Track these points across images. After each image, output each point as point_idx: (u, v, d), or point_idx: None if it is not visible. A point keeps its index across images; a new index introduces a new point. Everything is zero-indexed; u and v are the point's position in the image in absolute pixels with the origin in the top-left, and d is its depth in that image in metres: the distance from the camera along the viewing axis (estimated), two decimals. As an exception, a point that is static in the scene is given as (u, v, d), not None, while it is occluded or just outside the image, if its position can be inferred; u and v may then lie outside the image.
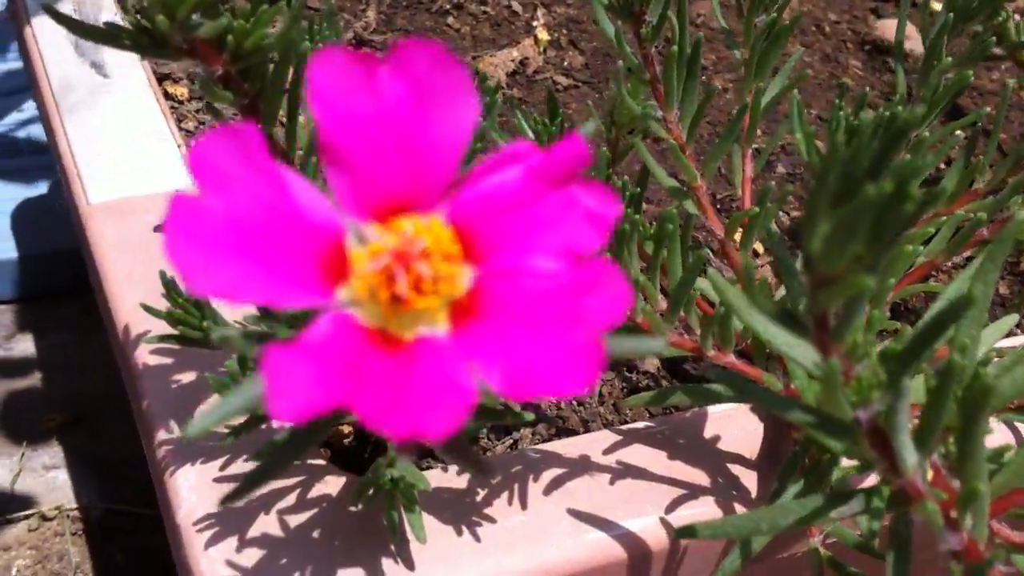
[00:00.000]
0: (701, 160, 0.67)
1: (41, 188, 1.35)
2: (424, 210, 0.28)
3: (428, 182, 0.27)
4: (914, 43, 1.11)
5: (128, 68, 0.77)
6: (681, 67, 0.57)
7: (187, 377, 0.59)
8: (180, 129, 0.78)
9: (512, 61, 0.98)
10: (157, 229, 0.52)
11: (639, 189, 0.60)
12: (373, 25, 1.00)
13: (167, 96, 0.80)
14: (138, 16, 0.41)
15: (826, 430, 0.36)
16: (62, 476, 1.13)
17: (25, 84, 1.46)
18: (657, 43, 0.62)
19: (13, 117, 1.42)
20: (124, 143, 0.72)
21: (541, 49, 1.01)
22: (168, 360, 0.60)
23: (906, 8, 0.74)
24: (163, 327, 0.63)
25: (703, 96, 0.60)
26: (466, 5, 1.04)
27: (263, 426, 0.47)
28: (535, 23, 1.04)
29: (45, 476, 1.14)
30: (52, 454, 1.16)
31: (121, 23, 0.41)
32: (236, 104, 0.45)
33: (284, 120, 0.47)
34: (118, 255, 0.64)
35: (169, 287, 0.49)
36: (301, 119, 0.47)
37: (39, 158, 1.39)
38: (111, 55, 0.77)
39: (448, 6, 1.04)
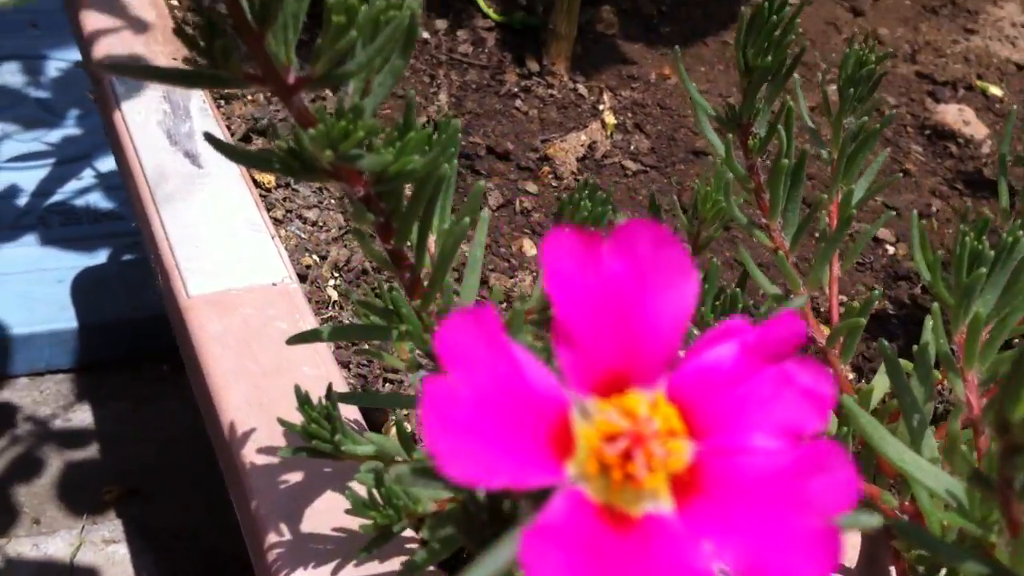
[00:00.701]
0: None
1: (100, 257, 1.37)
2: (645, 384, 0.28)
3: (650, 358, 0.28)
4: (973, 127, 1.12)
5: (221, 158, 0.78)
6: (787, 179, 0.58)
7: (295, 477, 0.59)
8: (271, 218, 0.79)
9: (581, 146, 0.99)
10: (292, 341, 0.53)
11: (739, 289, 0.61)
12: (445, 108, 1.01)
13: (255, 183, 0.81)
14: (290, 143, 0.42)
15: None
16: (122, 550, 1.14)
17: (83, 152, 1.49)
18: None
19: (72, 185, 1.45)
20: (220, 234, 0.73)
21: (608, 133, 1.02)
22: (274, 460, 0.61)
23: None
24: (268, 423, 0.63)
25: (808, 208, 0.61)
26: (533, 88, 1.06)
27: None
28: (601, 106, 1.06)
29: (105, 550, 1.14)
30: (111, 528, 1.16)
31: (263, 146, 0.42)
32: (372, 222, 0.46)
33: (415, 240, 0.48)
34: (221, 350, 0.65)
35: (302, 400, 0.49)
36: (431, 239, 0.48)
37: (97, 227, 1.41)
38: (204, 144, 0.79)
39: (516, 89, 1.06)
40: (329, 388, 0.50)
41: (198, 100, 0.83)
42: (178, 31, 0.39)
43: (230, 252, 0.72)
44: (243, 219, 0.74)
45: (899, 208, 1.02)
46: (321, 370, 0.65)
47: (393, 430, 0.66)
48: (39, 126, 1.52)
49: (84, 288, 1.33)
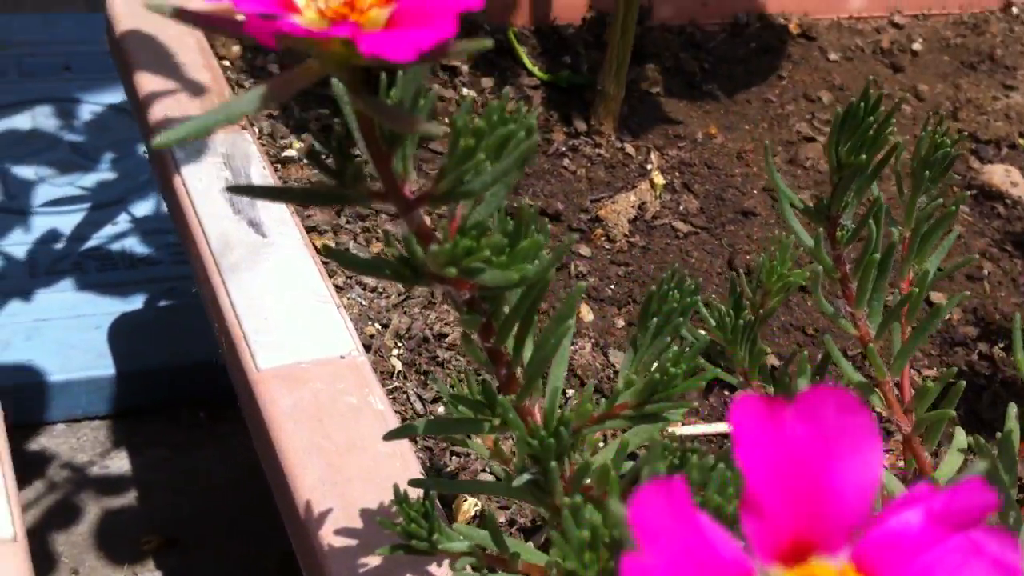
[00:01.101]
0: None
1: (136, 302, 1.37)
2: (829, 552, 0.28)
3: (835, 525, 0.28)
4: (1021, 188, 1.12)
5: (283, 226, 0.78)
6: (874, 271, 0.58)
7: (373, 561, 0.59)
8: (333, 284, 0.79)
9: (632, 207, 0.99)
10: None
11: (817, 377, 0.61)
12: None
13: (316, 249, 0.81)
14: (402, 251, 0.42)
15: None
16: (161, 603, 1.13)
17: (118, 196, 1.49)
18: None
19: (108, 230, 1.45)
20: (287, 305, 0.73)
21: (657, 194, 1.02)
22: (352, 542, 0.60)
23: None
24: (343, 503, 0.63)
25: (896, 300, 0.61)
26: (581, 147, 1.06)
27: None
28: (649, 166, 1.06)
29: (144, 603, 1.13)
30: (150, 578, 1.16)
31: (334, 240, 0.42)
32: (475, 324, 0.46)
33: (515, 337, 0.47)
34: (293, 426, 0.65)
35: (400, 500, 0.49)
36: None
37: (133, 272, 1.41)
38: (267, 212, 0.79)
39: (564, 148, 1.06)
40: (427, 491, 0.50)
41: (258, 166, 0.83)
42: (311, 156, 0.39)
43: (297, 324, 0.72)
44: (308, 289, 0.74)
45: (951, 271, 1.02)
46: (393, 447, 0.65)
47: (464, 506, 0.66)
48: (73, 170, 1.52)
49: (121, 334, 1.33)
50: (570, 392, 0.79)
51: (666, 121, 1.12)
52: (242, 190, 0.38)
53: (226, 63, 1.00)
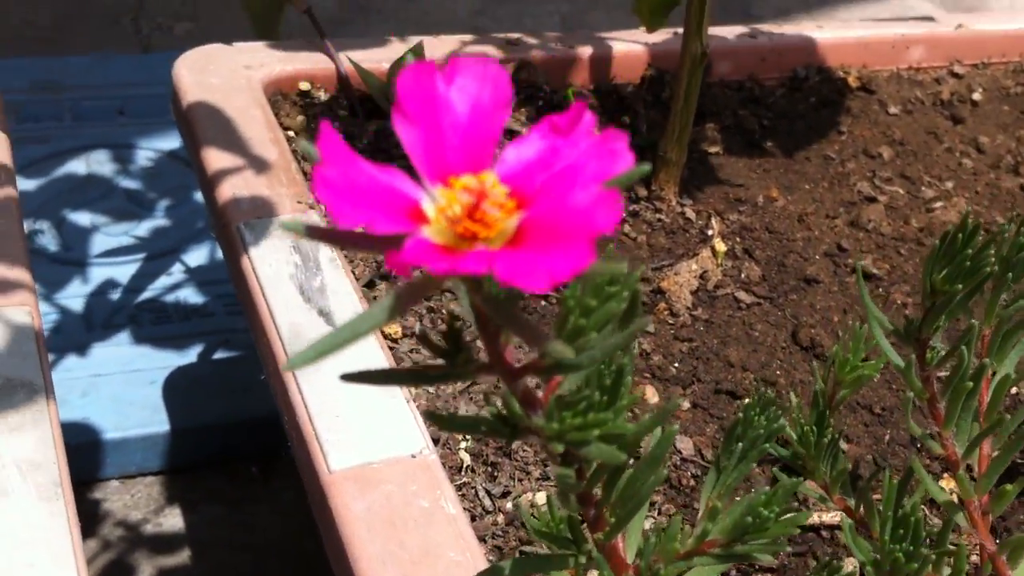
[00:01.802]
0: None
1: (190, 356, 1.37)
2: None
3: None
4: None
5: (352, 315, 0.78)
6: (964, 393, 0.57)
7: None
8: (395, 357, 0.79)
9: (694, 277, 0.98)
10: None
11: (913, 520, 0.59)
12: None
13: (383, 335, 0.81)
14: (502, 411, 0.42)
15: None
16: (217, 667, 1.13)
17: (172, 246, 1.50)
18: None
19: (162, 281, 1.46)
20: (358, 402, 0.73)
21: (719, 261, 1.01)
22: (428, 657, 0.60)
23: None
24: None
25: (987, 424, 0.60)
26: (641, 212, 1.05)
27: None
28: (710, 231, 1.05)
29: (201, 667, 1.13)
30: (205, 640, 1.16)
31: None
32: (570, 481, 0.45)
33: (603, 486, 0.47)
34: (367, 533, 0.65)
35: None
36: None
37: (187, 324, 1.41)
38: (336, 301, 0.79)
39: (624, 214, 1.05)
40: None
41: (327, 249, 0.83)
42: (422, 339, 0.38)
43: (368, 421, 0.71)
44: (382, 386, 0.74)
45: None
46: (466, 556, 0.65)
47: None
48: (128, 218, 1.53)
49: (176, 389, 1.33)
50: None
51: (726, 183, 1.11)
52: (353, 377, 0.38)
53: (291, 133, 1.00)
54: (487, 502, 0.74)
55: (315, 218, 0.86)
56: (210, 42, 2.03)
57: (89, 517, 1.27)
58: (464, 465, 0.75)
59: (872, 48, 1.29)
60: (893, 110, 1.26)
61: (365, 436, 0.70)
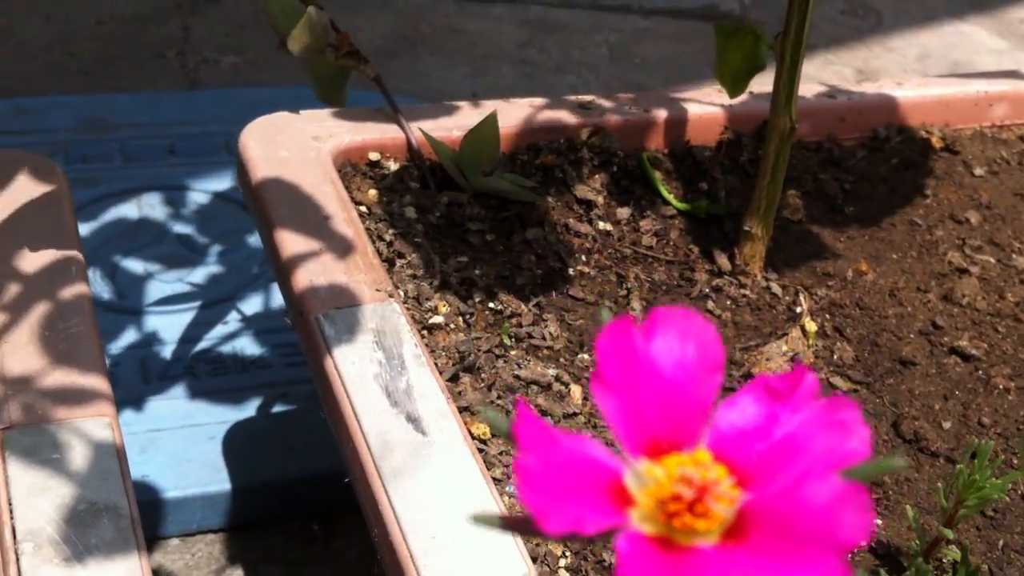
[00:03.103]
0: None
1: (249, 410, 1.35)
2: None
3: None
4: None
5: (442, 420, 0.75)
6: None
7: None
8: (492, 478, 0.76)
9: (784, 359, 0.95)
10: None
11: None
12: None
13: (472, 435, 0.78)
14: None
15: None
16: None
17: (228, 293, 1.48)
18: None
19: (218, 331, 1.43)
20: (453, 518, 0.69)
21: (810, 342, 0.97)
22: None
23: None
24: None
25: None
26: (725, 288, 1.02)
27: None
28: (798, 308, 1.01)
29: None
30: None
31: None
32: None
33: None
34: (472, 674, 0.62)
35: None
36: None
37: (245, 376, 1.39)
38: (425, 404, 0.76)
39: (707, 289, 1.01)
40: None
41: (410, 344, 0.80)
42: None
43: (466, 543, 0.68)
44: (473, 496, 0.71)
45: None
46: None
47: None
48: (182, 265, 1.51)
49: (235, 445, 1.31)
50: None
51: (813, 255, 1.07)
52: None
53: (363, 208, 0.97)
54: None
55: (396, 308, 0.83)
56: (257, 76, 2.01)
57: (148, 579, 1.24)
58: (563, 585, 0.72)
59: (954, 106, 1.24)
60: (978, 171, 1.22)
61: (464, 561, 0.67)
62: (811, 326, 0.99)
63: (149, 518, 1.26)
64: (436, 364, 0.84)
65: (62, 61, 1.99)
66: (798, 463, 0.32)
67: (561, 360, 0.90)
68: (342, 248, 0.88)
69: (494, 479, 0.77)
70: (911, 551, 0.76)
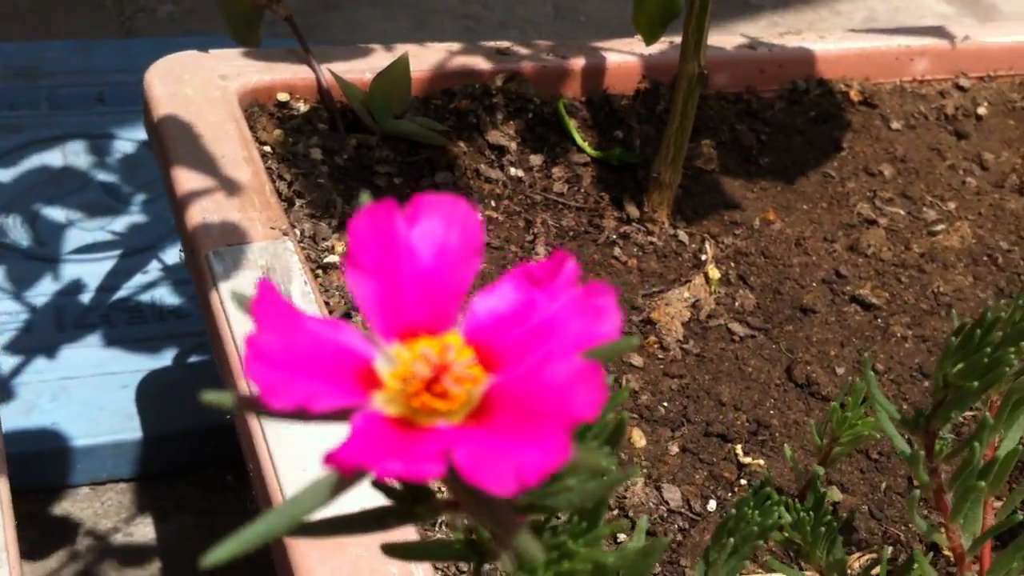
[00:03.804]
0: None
1: (165, 359, 1.33)
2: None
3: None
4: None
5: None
6: (976, 493, 0.53)
7: None
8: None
9: (685, 306, 0.95)
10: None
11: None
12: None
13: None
14: (471, 535, 0.38)
15: None
16: None
17: (149, 243, 1.46)
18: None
19: (137, 280, 1.41)
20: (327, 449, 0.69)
21: (712, 289, 0.97)
22: None
23: None
24: None
25: (996, 522, 0.56)
26: (632, 235, 1.01)
27: None
28: (703, 256, 1.01)
29: None
30: (174, 659, 1.13)
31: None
32: None
33: None
34: (331, 602, 0.61)
35: None
36: None
37: (163, 325, 1.37)
38: (306, 340, 0.74)
39: (615, 236, 1.01)
40: None
41: (299, 282, 0.79)
42: (377, 486, 0.35)
43: (337, 475, 0.68)
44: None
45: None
46: (438, 628, 0.61)
47: None
48: (104, 213, 1.49)
49: (149, 394, 1.29)
50: (621, 537, 0.74)
51: (722, 204, 1.07)
52: (301, 530, 0.34)
53: (267, 148, 0.95)
54: (462, 564, 0.70)
55: (289, 246, 0.82)
56: (194, 26, 1.98)
57: (58, 525, 1.23)
58: (439, 522, 0.72)
59: (875, 60, 1.24)
60: (895, 125, 1.22)
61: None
62: (714, 273, 0.98)
63: (58, 466, 1.25)
64: (328, 303, 0.83)
65: (-5, 8, 1.95)
66: (548, 346, 0.31)
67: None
68: (238, 186, 0.87)
69: (377, 416, 0.76)
70: (789, 491, 0.76)
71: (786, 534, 0.57)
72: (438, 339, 0.32)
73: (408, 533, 0.66)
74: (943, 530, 0.56)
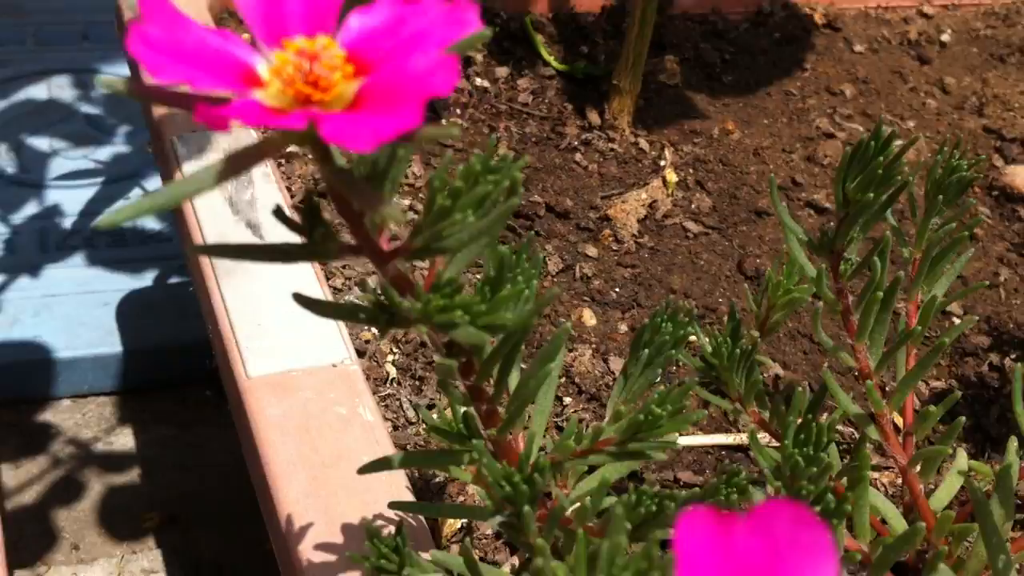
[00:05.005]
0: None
1: (146, 280, 1.36)
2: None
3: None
4: (1044, 194, 1.09)
5: (280, 227, 0.77)
6: (877, 305, 0.56)
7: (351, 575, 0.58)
8: (329, 287, 0.78)
9: (642, 205, 0.97)
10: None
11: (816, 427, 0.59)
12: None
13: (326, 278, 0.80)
14: (380, 297, 0.41)
15: None
16: (160, 582, 1.13)
17: (132, 171, 1.49)
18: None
19: (120, 205, 1.43)
20: (282, 311, 0.72)
21: (669, 191, 1.00)
22: (332, 558, 0.60)
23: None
24: (325, 517, 0.62)
25: (899, 336, 0.59)
26: (594, 142, 1.04)
27: None
28: (662, 162, 1.04)
29: (144, 582, 1.14)
30: (151, 557, 1.16)
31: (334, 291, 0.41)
32: (449, 372, 0.44)
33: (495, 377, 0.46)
34: (280, 437, 0.64)
35: (371, 535, 0.48)
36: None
37: (144, 248, 1.40)
38: (266, 214, 0.78)
39: (576, 142, 1.04)
40: (399, 527, 0.49)
41: (263, 166, 0.82)
42: (276, 214, 0.38)
43: (291, 330, 0.71)
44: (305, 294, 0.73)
45: (965, 276, 0.99)
46: (379, 453, 0.64)
47: (456, 548, 0.65)
48: (88, 143, 1.52)
49: (130, 312, 1.33)
50: (567, 400, 0.78)
51: (683, 115, 1.10)
52: (210, 249, 0.37)
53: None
54: (411, 413, 0.73)
55: (252, 134, 0.85)
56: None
57: (40, 434, 1.26)
58: (390, 377, 0.75)
59: (840, -15, 1.27)
60: (858, 48, 1.25)
61: (286, 345, 0.70)
62: (672, 177, 1.01)
63: (40, 378, 1.28)
64: (289, 188, 0.86)
65: (-19, -50, 1.97)
66: (416, 51, 0.34)
67: (419, 195, 0.92)
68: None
69: (334, 288, 0.80)
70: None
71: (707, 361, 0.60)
72: (311, 40, 0.35)
73: (360, 388, 0.69)
74: (852, 351, 0.58)
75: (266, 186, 0.81)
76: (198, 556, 1.16)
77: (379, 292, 0.42)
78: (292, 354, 0.70)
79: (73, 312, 1.31)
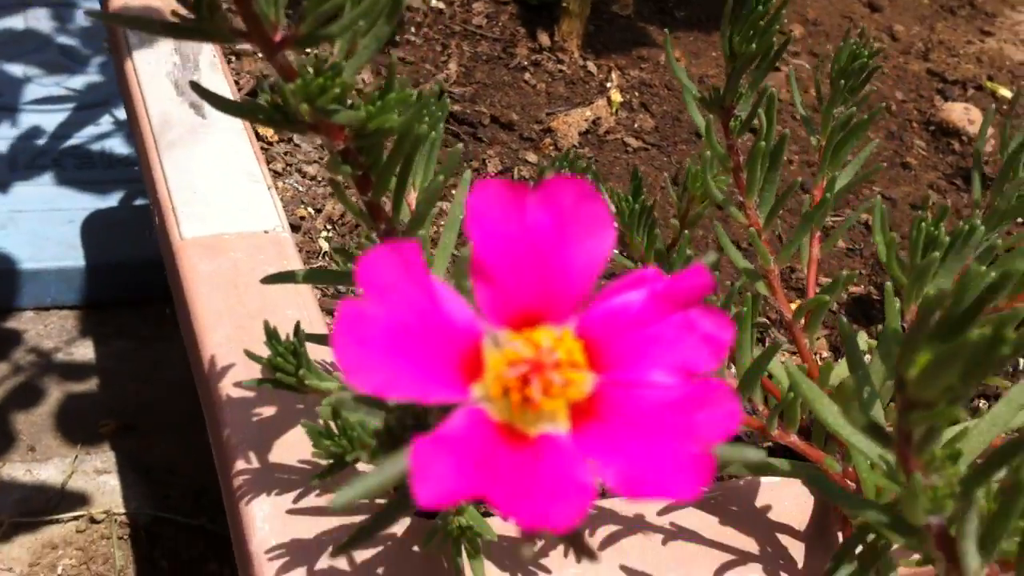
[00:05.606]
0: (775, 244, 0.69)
1: (111, 200, 1.39)
2: (556, 322, 0.30)
3: (561, 299, 0.30)
4: (978, 126, 1.13)
5: (222, 115, 0.80)
6: (765, 160, 0.60)
7: (268, 411, 0.62)
8: (270, 170, 0.81)
9: (585, 121, 1.01)
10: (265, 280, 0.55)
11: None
12: (454, 77, 1.03)
13: (258, 136, 0.83)
14: (275, 96, 0.45)
15: (897, 530, 0.38)
16: (112, 481, 1.17)
17: (103, 99, 1.51)
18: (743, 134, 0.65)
19: (89, 130, 1.47)
20: (218, 182, 0.75)
21: (613, 110, 1.04)
22: (250, 395, 0.63)
23: (992, 113, 0.76)
24: (244, 361, 0.66)
25: (784, 188, 0.63)
26: (543, 63, 1.08)
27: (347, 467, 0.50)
28: (609, 84, 1.07)
29: (96, 480, 1.17)
30: (104, 459, 1.19)
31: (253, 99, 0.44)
32: (352, 175, 0.48)
33: (392, 193, 0.49)
34: (209, 290, 0.68)
35: (270, 335, 0.51)
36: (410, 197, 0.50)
37: (111, 171, 1.43)
38: (210, 93, 0.81)
39: (526, 63, 1.07)
40: (297, 326, 0.53)
41: (208, 54, 0.85)
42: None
43: (226, 199, 0.74)
44: (242, 170, 0.76)
45: (895, 199, 1.03)
46: (303, 313, 0.68)
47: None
48: (61, 71, 1.54)
49: (94, 229, 1.36)
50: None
51: (632, 43, 1.13)
52: (113, 18, 0.40)
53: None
54: (341, 287, 0.76)
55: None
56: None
57: (1, 343, 1.29)
58: (321, 251, 0.78)
59: (795, -70, 1.30)
60: (810, -8, 1.28)
61: (220, 211, 0.73)
62: (617, 97, 1.05)
63: (4, 289, 1.31)
64: (237, 82, 0.89)
65: None
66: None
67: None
68: (160, -25, 0.93)
69: (274, 171, 0.83)
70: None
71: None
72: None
73: (289, 252, 0.72)
74: (742, 208, 0.62)
75: (213, 75, 0.84)
76: (150, 460, 1.20)
77: (276, 95, 0.45)
78: (226, 219, 0.73)
79: (39, 227, 1.34)
